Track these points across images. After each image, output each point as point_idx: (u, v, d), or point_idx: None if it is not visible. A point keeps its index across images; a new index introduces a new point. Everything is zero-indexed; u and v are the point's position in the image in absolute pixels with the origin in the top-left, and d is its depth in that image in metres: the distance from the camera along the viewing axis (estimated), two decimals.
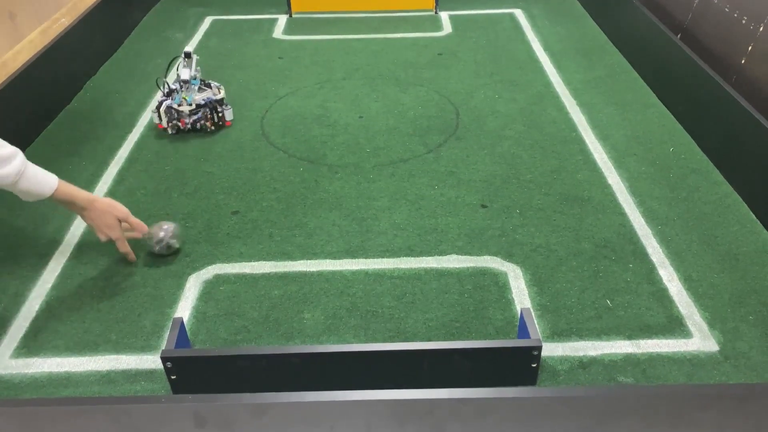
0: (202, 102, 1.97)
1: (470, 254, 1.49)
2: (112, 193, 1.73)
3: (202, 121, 1.98)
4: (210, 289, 1.41)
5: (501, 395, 0.88)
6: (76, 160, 1.88)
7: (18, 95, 1.93)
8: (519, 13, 2.93)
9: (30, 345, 1.28)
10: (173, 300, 1.38)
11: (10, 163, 1.26)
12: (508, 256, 1.48)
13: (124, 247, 1.45)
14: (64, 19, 2.44)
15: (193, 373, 1.11)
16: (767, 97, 1.83)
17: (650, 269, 1.44)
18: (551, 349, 1.24)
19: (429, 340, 1.27)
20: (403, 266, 1.46)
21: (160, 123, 1.98)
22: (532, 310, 1.33)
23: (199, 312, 1.35)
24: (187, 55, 1.98)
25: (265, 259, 1.49)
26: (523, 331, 1.18)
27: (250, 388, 1.08)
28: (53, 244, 1.55)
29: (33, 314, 1.35)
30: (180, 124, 1.97)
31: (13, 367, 1.24)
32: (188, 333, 1.29)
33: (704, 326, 1.29)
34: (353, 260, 1.48)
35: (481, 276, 1.43)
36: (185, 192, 1.73)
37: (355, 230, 1.58)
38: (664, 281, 1.41)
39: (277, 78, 2.37)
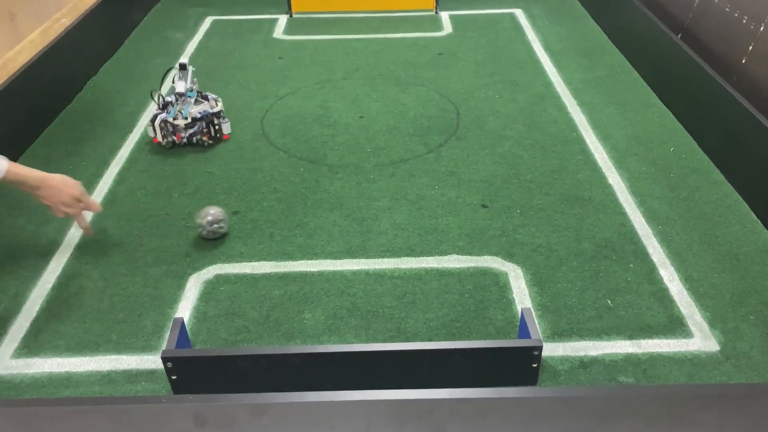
0: (199, 115, 1.87)
1: (471, 254, 1.49)
2: (112, 193, 1.73)
3: (199, 135, 1.90)
4: (210, 290, 1.41)
5: (501, 395, 0.88)
6: (76, 160, 1.88)
7: (18, 95, 1.93)
8: (519, 13, 2.93)
9: (30, 345, 1.28)
10: (174, 300, 1.38)
11: None
12: (509, 256, 1.48)
13: (83, 222, 1.45)
14: (64, 20, 2.44)
15: (193, 373, 1.11)
16: None
17: (651, 269, 1.44)
18: (552, 349, 1.24)
19: (429, 340, 1.27)
20: (403, 266, 1.46)
21: (155, 137, 1.90)
22: (532, 310, 1.33)
23: (199, 312, 1.35)
24: (183, 67, 1.91)
25: (265, 259, 1.49)
26: (523, 331, 1.18)
27: (251, 388, 1.08)
28: (53, 244, 1.55)
29: (33, 314, 1.36)
30: (175, 138, 1.89)
31: (14, 368, 1.24)
32: (189, 333, 1.29)
33: (705, 326, 1.29)
34: (354, 260, 1.48)
35: (481, 276, 1.43)
36: (185, 192, 1.73)
37: (356, 230, 1.58)
38: (664, 281, 1.40)
39: (277, 78, 2.37)
